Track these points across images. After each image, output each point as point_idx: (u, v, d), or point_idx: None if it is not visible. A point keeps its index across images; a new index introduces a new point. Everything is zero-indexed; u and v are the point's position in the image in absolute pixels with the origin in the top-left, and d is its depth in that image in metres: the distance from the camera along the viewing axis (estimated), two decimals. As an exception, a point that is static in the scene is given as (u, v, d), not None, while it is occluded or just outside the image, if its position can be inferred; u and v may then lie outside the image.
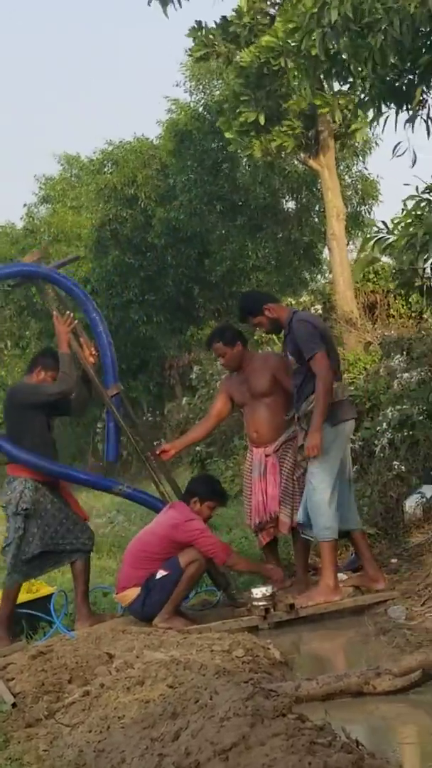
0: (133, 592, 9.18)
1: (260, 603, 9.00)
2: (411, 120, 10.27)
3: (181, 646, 7.45)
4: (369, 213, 28.60)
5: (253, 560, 10.27)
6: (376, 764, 4.07)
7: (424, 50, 9.63)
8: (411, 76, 10.14)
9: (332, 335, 9.62)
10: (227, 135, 21.25)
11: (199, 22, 20.28)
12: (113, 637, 8.03)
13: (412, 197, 9.81)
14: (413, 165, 10.27)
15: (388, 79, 10.06)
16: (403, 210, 9.68)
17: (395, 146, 10.24)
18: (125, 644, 7.65)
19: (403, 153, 10.22)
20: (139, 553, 9.31)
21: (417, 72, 9.96)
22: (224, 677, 5.70)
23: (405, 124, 10.19)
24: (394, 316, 21.82)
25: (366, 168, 28.05)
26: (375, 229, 10.32)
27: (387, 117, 10.35)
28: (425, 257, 9.20)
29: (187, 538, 9.12)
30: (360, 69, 9.89)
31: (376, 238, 9.66)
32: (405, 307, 21.82)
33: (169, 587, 9.04)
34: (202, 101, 29.34)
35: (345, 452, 9.21)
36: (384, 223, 9.69)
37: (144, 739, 5.04)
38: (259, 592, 9.09)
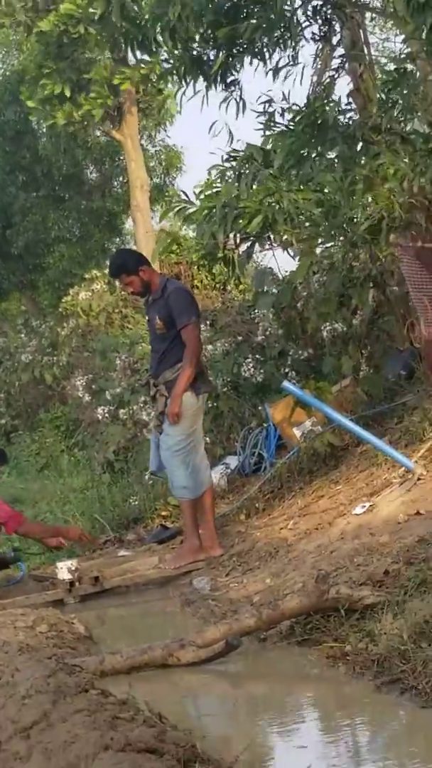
0: None
1: (65, 577, 8.95)
2: (225, 101, 10.30)
3: (-17, 623, 7.34)
4: (173, 184, 28.55)
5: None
6: (178, 736, 4.06)
7: (224, 21, 9.63)
8: (215, 50, 10.16)
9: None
10: (29, 104, 21.02)
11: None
12: None
13: (215, 166, 9.84)
14: (230, 143, 10.31)
15: (190, 51, 10.05)
16: (207, 180, 9.71)
17: (211, 125, 10.27)
18: None
19: (220, 132, 10.26)
20: None
21: (218, 44, 9.98)
22: (27, 654, 5.62)
23: (220, 105, 10.22)
24: (198, 287, 21.87)
25: (169, 137, 27.99)
26: (176, 199, 10.34)
27: (203, 94, 10.36)
28: (225, 229, 9.24)
29: None
30: (161, 39, 9.86)
31: (177, 209, 9.65)
32: (209, 278, 21.89)
33: None
34: (1, 71, 28.84)
35: (200, 419, 9.41)
36: (185, 192, 9.69)
37: None
38: (63, 565, 9.04)
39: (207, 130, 10.08)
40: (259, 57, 10.25)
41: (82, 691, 4.61)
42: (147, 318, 9.72)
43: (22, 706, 4.50)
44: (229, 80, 10.27)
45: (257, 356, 12.70)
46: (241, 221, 8.95)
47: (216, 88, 10.29)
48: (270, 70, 10.30)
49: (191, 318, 9.12)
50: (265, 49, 10.20)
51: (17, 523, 9.45)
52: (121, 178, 27.61)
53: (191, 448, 9.23)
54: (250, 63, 10.37)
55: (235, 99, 10.37)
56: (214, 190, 9.36)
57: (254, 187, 9.08)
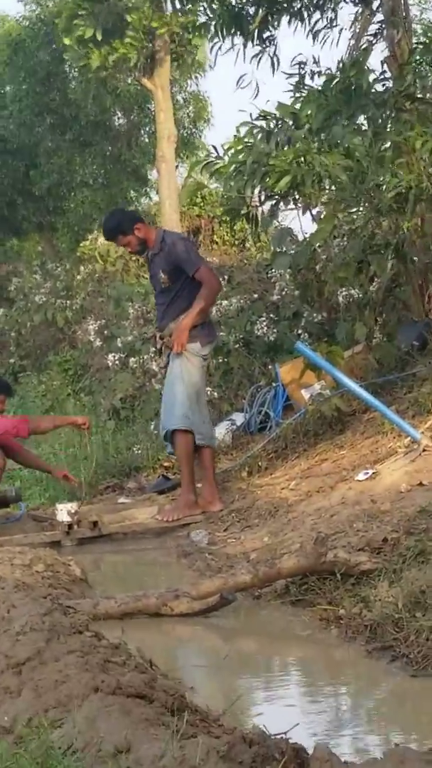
0: None
1: (64, 519, 9.00)
2: (257, 56, 10.29)
3: (-20, 559, 7.37)
4: (200, 136, 28.38)
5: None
6: (167, 685, 4.10)
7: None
8: (254, 7, 10.14)
9: None
10: (66, 41, 20.89)
11: None
12: None
13: (245, 123, 9.82)
14: (255, 97, 10.31)
15: (229, 5, 10.03)
16: (235, 136, 9.70)
17: (239, 78, 10.27)
18: None
19: (247, 85, 10.25)
20: None
21: (257, 1, 9.97)
22: (23, 591, 5.66)
23: (251, 59, 10.21)
24: (217, 243, 21.84)
25: (199, 91, 27.77)
26: (205, 153, 10.38)
27: (238, 48, 10.36)
28: (252, 184, 9.23)
29: None
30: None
31: (205, 163, 9.63)
32: (229, 234, 21.85)
33: None
34: (37, 11, 28.58)
35: (204, 368, 9.47)
36: (214, 147, 9.68)
37: None
38: (63, 507, 9.08)
39: (233, 86, 10.15)
40: (297, 17, 10.22)
41: (77, 632, 4.65)
42: (150, 274, 9.66)
43: (16, 642, 4.54)
44: (265, 36, 10.25)
45: (271, 315, 12.69)
46: (268, 179, 8.93)
47: (253, 44, 10.28)
48: (309, 31, 10.29)
49: (200, 262, 9.15)
50: (304, 10, 10.18)
51: (26, 425, 9.53)
52: (148, 128, 27.44)
53: (198, 389, 9.24)
54: (289, 23, 10.36)
55: (269, 55, 10.36)
56: (246, 145, 9.34)
57: (285, 147, 9.06)
